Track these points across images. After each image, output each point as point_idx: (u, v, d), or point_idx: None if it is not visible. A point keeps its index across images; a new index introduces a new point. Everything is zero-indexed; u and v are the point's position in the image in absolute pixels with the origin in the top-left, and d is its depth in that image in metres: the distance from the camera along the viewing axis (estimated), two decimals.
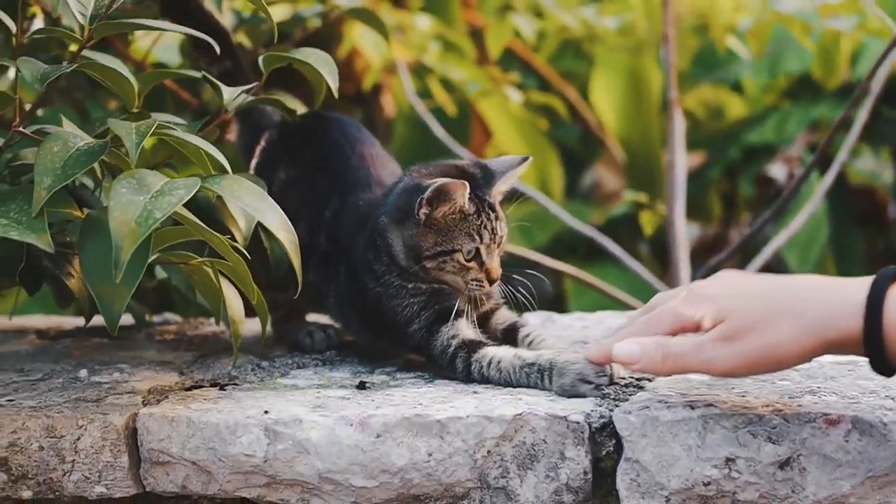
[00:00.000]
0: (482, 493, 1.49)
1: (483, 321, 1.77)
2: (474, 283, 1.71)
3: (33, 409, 1.60)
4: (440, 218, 1.68)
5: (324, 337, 1.93)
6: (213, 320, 2.18)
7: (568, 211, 3.72)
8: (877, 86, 2.86)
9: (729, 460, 1.42)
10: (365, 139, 1.93)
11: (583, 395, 1.56)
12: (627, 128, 5.25)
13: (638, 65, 5.16)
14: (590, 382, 1.56)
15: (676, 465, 1.43)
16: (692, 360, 1.42)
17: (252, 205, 1.54)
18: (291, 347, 1.94)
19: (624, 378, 1.64)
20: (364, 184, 1.85)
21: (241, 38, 2.44)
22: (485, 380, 1.65)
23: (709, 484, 1.43)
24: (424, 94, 3.99)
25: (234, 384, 1.73)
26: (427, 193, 1.65)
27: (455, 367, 1.68)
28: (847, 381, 1.60)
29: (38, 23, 2.04)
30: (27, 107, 1.76)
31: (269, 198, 1.57)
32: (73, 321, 2.28)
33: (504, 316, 1.79)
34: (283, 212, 1.56)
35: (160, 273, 2.03)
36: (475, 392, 1.60)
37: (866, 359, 1.38)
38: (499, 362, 1.64)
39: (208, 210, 1.74)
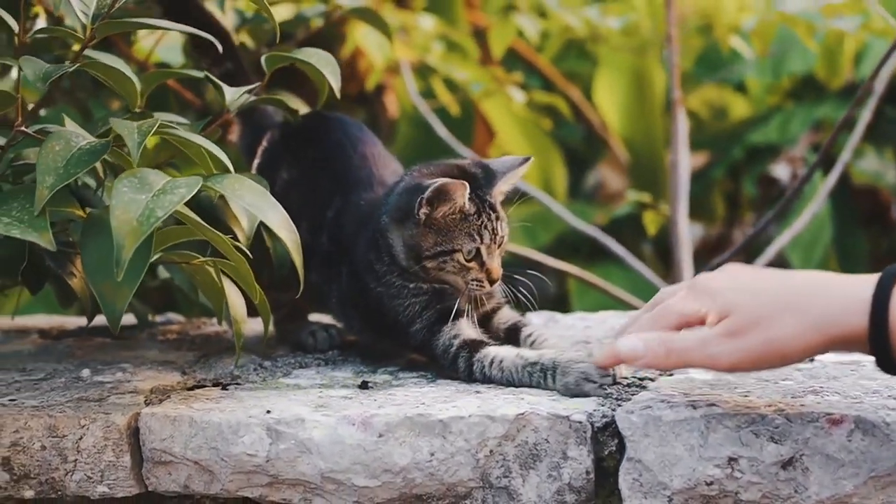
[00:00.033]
0: (484, 492, 1.49)
1: (485, 321, 1.77)
2: (475, 283, 1.70)
3: (36, 408, 1.60)
4: (440, 218, 1.68)
5: (326, 336, 1.93)
6: (215, 320, 2.18)
7: (571, 211, 3.72)
8: (880, 86, 2.85)
9: (731, 460, 1.42)
10: (367, 139, 1.93)
11: (586, 395, 1.55)
12: (631, 128, 5.25)
13: (641, 65, 5.16)
14: (594, 381, 1.56)
15: (679, 464, 1.43)
16: (696, 356, 1.41)
17: (254, 204, 1.54)
18: (294, 347, 1.94)
19: (627, 378, 1.63)
20: (366, 184, 1.85)
21: (244, 38, 2.44)
22: (487, 379, 1.64)
23: (711, 484, 1.42)
24: (428, 94, 3.99)
25: (237, 384, 1.73)
26: (427, 193, 1.65)
27: (457, 366, 1.67)
28: (850, 381, 1.59)
29: (41, 23, 2.04)
30: (30, 106, 1.76)
31: (272, 197, 1.57)
32: (76, 321, 2.28)
33: (506, 315, 1.79)
34: (285, 211, 1.56)
35: (163, 273, 2.03)
36: (477, 392, 1.60)
37: (870, 357, 1.37)
38: (501, 362, 1.63)
39: (211, 210, 1.74)
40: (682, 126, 3.14)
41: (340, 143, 1.91)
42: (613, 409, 1.49)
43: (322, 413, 1.53)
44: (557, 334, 1.88)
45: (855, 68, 4.80)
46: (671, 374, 1.67)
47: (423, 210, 1.67)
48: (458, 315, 1.70)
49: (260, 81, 1.83)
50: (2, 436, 1.57)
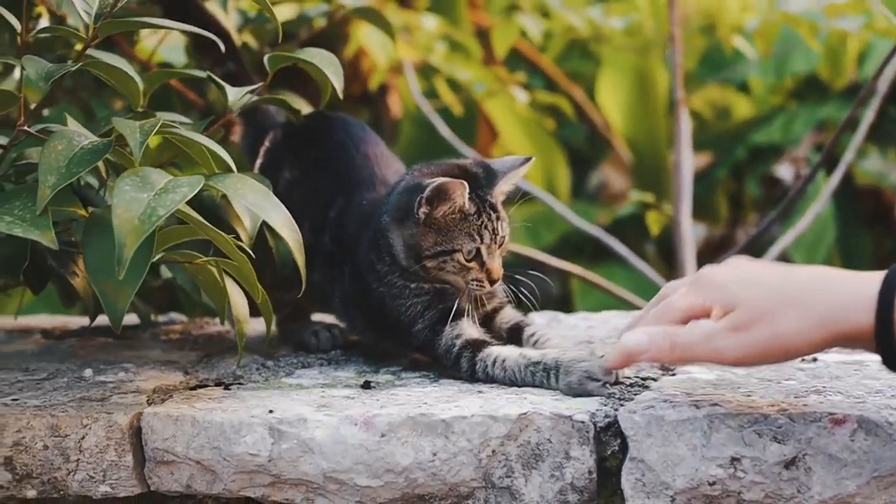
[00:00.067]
0: (487, 492, 1.49)
1: (487, 320, 1.77)
2: (475, 283, 1.70)
3: (38, 408, 1.60)
4: (440, 217, 1.68)
5: (329, 336, 1.93)
6: (218, 320, 2.18)
7: (574, 211, 3.72)
8: (883, 86, 2.85)
9: (734, 460, 1.42)
10: (369, 139, 1.93)
11: (590, 394, 1.55)
12: (634, 128, 5.25)
13: (645, 65, 5.16)
14: (597, 380, 1.56)
15: (681, 464, 1.43)
16: (701, 350, 1.41)
17: (256, 203, 1.54)
18: (296, 347, 1.94)
19: (629, 378, 1.63)
20: (368, 183, 1.85)
21: (247, 38, 2.44)
22: (489, 379, 1.64)
23: (714, 483, 1.42)
24: (431, 94, 3.99)
25: (239, 383, 1.72)
26: (426, 192, 1.65)
27: (459, 366, 1.67)
28: (853, 381, 1.59)
29: (44, 23, 2.04)
30: (32, 106, 1.76)
31: (274, 196, 1.57)
32: (79, 321, 2.28)
33: (509, 315, 1.79)
34: (287, 211, 1.56)
35: (165, 272, 2.03)
36: (480, 391, 1.60)
37: (873, 357, 1.37)
38: (503, 361, 1.63)
39: (213, 209, 1.74)
40: (686, 126, 3.15)
41: (343, 142, 1.91)
42: (616, 409, 1.48)
43: (324, 413, 1.53)
44: (560, 334, 1.88)
45: (858, 68, 4.80)
46: (674, 374, 1.67)
47: (423, 209, 1.67)
48: (461, 315, 1.70)
49: (262, 82, 1.83)
50: (4, 435, 1.57)
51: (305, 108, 1.98)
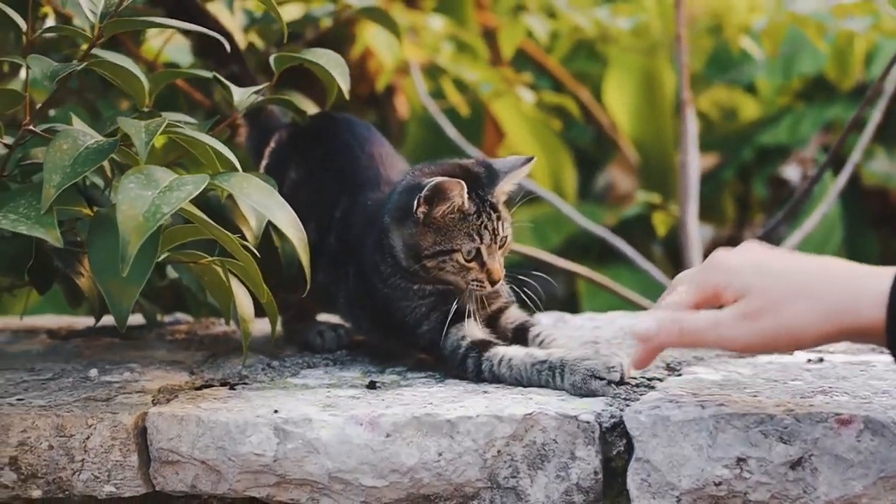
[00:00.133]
0: (492, 493, 1.49)
1: (492, 321, 1.76)
2: (475, 283, 1.70)
3: (43, 408, 1.60)
4: (439, 217, 1.67)
5: (334, 336, 1.93)
6: (223, 320, 2.18)
7: (581, 212, 3.72)
8: (890, 86, 2.85)
9: (740, 460, 1.41)
10: (374, 139, 1.93)
11: (594, 393, 1.55)
12: (641, 129, 5.25)
13: (652, 66, 5.15)
14: (601, 378, 1.56)
15: (687, 465, 1.43)
16: (709, 336, 1.40)
17: (262, 203, 1.54)
18: (302, 347, 1.94)
19: (635, 378, 1.63)
20: (373, 184, 1.85)
21: (253, 38, 2.44)
22: (496, 379, 1.64)
23: (720, 484, 1.42)
24: (437, 94, 3.99)
25: (245, 383, 1.72)
26: (424, 192, 1.65)
27: (466, 367, 1.67)
28: (859, 381, 1.59)
29: (50, 23, 2.04)
30: (38, 106, 1.76)
31: (279, 196, 1.57)
32: (85, 321, 2.28)
33: (514, 315, 1.78)
34: (293, 211, 1.56)
35: (171, 273, 2.03)
36: (485, 392, 1.60)
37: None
38: (510, 360, 1.63)
39: (219, 209, 1.74)
40: (692, 127, 3.14)
41: (348, 143, 1.90)
42: (622, 409, 1.48)
43: (330, 413, 1.52)
44: (566, 334, 1.87)
45: (865, 69, 4.79)
46: (679, 375, 1.66)
47: (422, 209, 1.66)
48: (466, 316, 1.69)
49: (267, 83, 1.83)
50: (9, 435, 1.57)
51: (311, 109, 1.98)
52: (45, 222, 1.44)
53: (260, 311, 1.71)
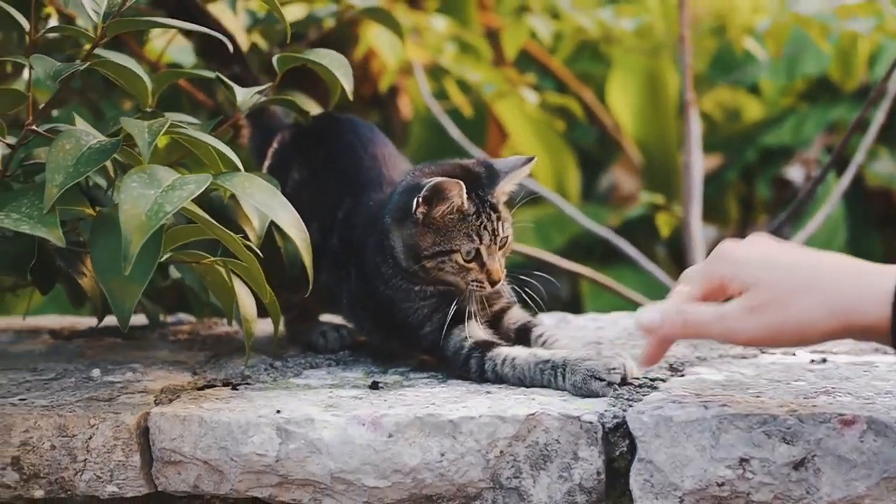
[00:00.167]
0: (495, 493, 1.49)
1: (495, 321, 1.76)
2: (475, 284, 1.69)
3: (45, 408, 1.60)
4: (439, 217, 1.67)
5: (337, 337, 1.93)
6: (226, 320, 2.18)
7: (584, 213, 3.72)
8: (894, 87, 2.84)
9: (743, 461, 1.41)
10: (377, 140, 1.93)
11: (594, 394, 1.55)
12: (644, 130, 5.24)
13: (655, 67, 5.15)
14: (601, 379, 1.56)
15: (690, 465, 1.43)
16: (714, 329, 1.40)
17: (264, 203, 1.54)
18: (305, 347, 1.94)
19: (637, 378, 1.63)
20: (376, 184, 1.85)
21: (256, 39, 2.44)
22: (499, 378, 1.64)
23: (723, 484, 1.42)
24: (440, 95, 3.99)
25: (247, 384, 1.72)
26: (423, 192, 1.64)
27: (469, 367, 1.67)
28: (862, 382, 1.59)
29: (53, 23, 2.04)
30: (41, 106, 1.76)
31: (282, 196, 1.57)
32: (87, 321, 2.28)
33: (516, 315, 1.78)
34: (295, 211, 1.56)
35: (174, 273, 2.03)
36: (488, 392, 1.60)
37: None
38: (513, 360, 1.63)
39: (222, 209, 1.74)
40: (696, 128, 3.14)
41: (351, 143, 1.90)
42: (624, 410, 1.48)
43: (332, 413, 1.52)
44: (569, 335, 1.87)
45: (869, 70, 4.79)
46: (682, 375, 1.66)
47: (421, 209, 1.66)
48: (468, 317, 1.69)
49: (269, 83, 1.83)
50: (12, 435, 1.57)
51: (314, 109, 1.98)
52: (48, 222, 1.44)
53: (262, 312, 1.71)
